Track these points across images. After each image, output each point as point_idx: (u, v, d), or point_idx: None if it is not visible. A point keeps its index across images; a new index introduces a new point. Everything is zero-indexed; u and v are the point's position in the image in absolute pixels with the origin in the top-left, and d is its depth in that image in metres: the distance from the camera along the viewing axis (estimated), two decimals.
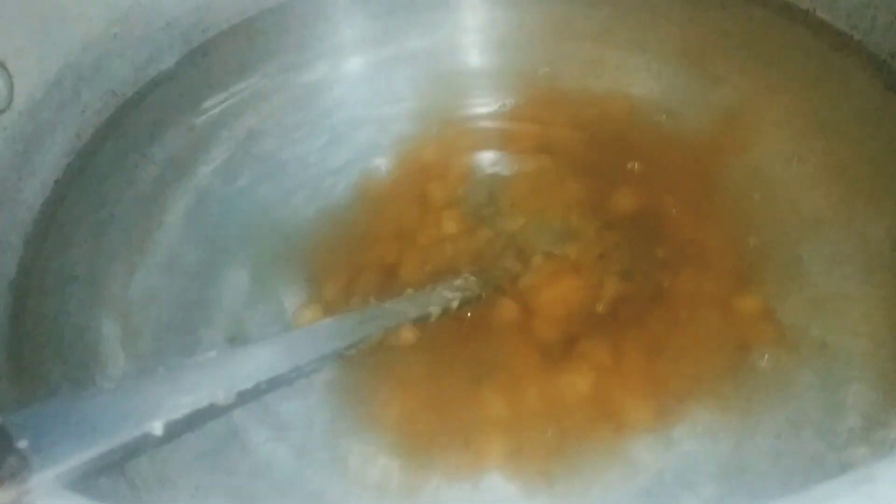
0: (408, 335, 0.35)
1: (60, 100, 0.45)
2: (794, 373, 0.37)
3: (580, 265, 0.42)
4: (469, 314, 0.38)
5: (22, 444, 0.21)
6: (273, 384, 0.28)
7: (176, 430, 0.24)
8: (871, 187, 0.42)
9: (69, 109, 0.45)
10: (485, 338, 0.39)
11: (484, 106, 0.48)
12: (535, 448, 0.37)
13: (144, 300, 0.41)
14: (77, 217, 0.44)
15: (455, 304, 0.37)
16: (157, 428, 0.24)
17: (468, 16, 0.52)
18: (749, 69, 0.48)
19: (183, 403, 0.25)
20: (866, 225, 0.41)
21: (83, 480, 0.22)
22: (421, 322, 0.36)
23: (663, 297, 0.41)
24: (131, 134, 0.48)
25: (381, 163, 0.47)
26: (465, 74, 0.50)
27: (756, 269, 0.41)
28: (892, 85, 0.44)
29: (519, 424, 0.37)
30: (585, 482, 0.35)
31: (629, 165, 0.45)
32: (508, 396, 0.38)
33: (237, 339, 0.35)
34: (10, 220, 0.42)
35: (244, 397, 0.27)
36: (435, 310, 0.36)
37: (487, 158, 0.47)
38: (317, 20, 0.52)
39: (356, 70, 0.50)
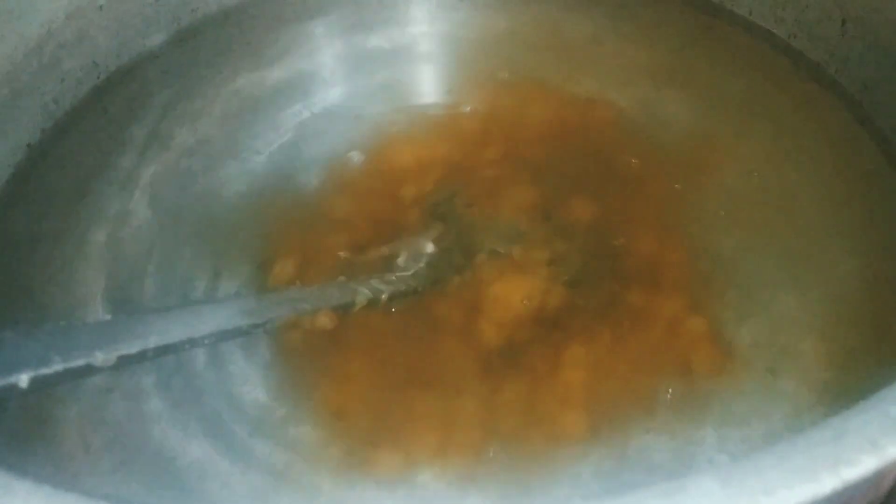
0: (324, 320, 0.35)
1: (39, 65, 0.46)
2: (735, 397, 0.36)
3: (526, 268, 0.41)
4: (399, 308, 0.38)
5: None
6: (160, 352, 0.28)
7: (45, 384, 0.25)
8: (835, 219, 0.42)
9: (48, 76, 0.47)
10: (415, 334, 0.39)
11: (456, 107, 0.49)
12: (463, 449, 0.37)
13: (100, 266, 0.42)
14: (47, 182, 0.46)
15: (384, 296, 0.37)
16: (22, 380, 0.24)
17: (453, 15, 0.52)
18: (728, 92, 0.47)
19: (54, 360, 0.25)
20: (827, 255, 0.41)
21: None
22: (343, 310, 0.36)
23: (610, 310, 0.40)
24: (111, 107, 0.49)
25: (351, 156, 0.47)
26: (442, 74, 0.51)
27: (709, 290, 0.40)
28: (862, 118, 0.44)
29: (448, 425, 0.37)
30: (511, 486, 0.35)
31: (594, 175, 0.45)
32: (438, 396, 0.38)
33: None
34: None
35: (126, 361, 0.27)
36: (360, 299, 0.36)
37: (453, 158, 0.47)
38: (306, 10, 0.53)
39: (334, 65, 0.51)
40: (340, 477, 0.34)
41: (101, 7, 0.48)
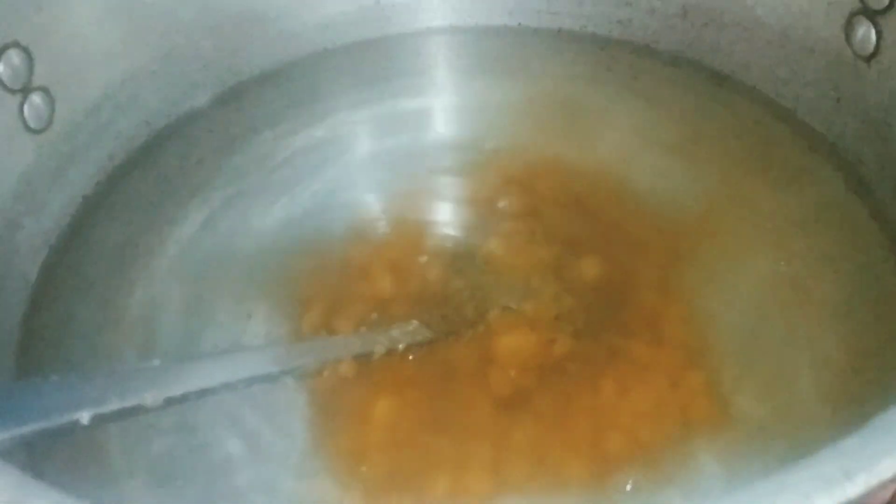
0: (346, 369, 0.39)
1: (97, 125, 0.51)
2: (732, 452, 0.39)
3: (535, 322, 0.45)
4: (415, 356, 0.42)
5: None
6: (201, 395, 0.33)
7: (103, 421, 0.29)
8: (830, 292, 0.45)
9: (104, 134, 0.52)
10: (430, 380, 0.43)
11: (476, 173, 0.53)
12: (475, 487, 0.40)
13: (148, 313, 0.47)
14: (99, 231, 0.51)
15: (401, 346, 0.41)
16: (84, 417, 0.29)
17: (473, 84, 0.57)
18: (732, 160, 0.51)
19: (112, 400, 0.30)
20: (822, 326, 0.43)
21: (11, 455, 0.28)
22: (363, 359, 0.40)
23: (612, 362, 0.44)
24: (160, 162, 0.54)
25: (375, 209, 0.51)
26: (462, 138, 0.55)
27: (710, 347, 0.43)
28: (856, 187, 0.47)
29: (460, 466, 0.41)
30: None
31: (602, 237, 0.49)
32: (451, 439, 0.42)
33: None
34: (37, 227, 0.48)
35: (172, 402, 0.32)
36: (379, 349, 0.41)
37: (471, 218, 0.51)
38: (340, 76, 0.58)
39: (364, 127, 0.56)
40: None
41: (153, 72, 0.53)
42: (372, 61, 0.59)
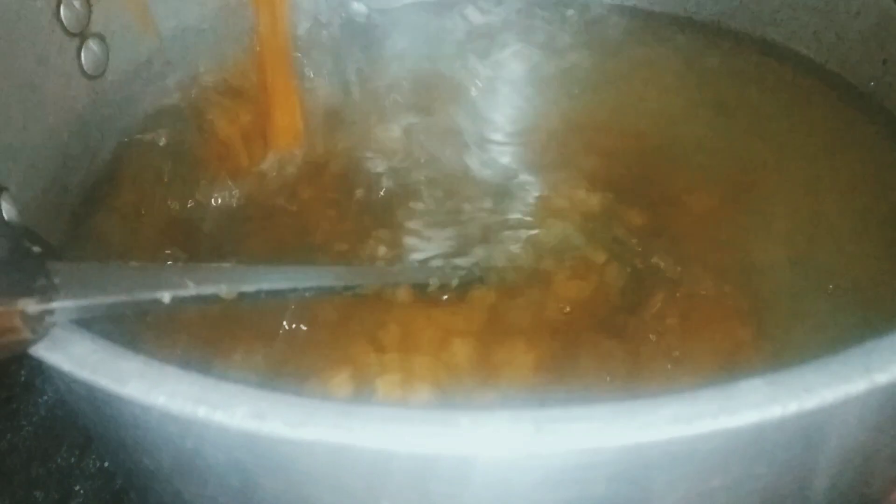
0: (404, 295, 0.41)
1: (147, 77, 0.53)
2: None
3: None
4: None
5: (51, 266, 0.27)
6: (271, 294, 0.34)
7: (181, 303, 0.30)
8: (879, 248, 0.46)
9: (153, 87, 0.53)
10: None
11: (520, 135, 0.54)
12: None
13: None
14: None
15: (455, 281, 0.43)
16: (165, 297, 0.30)
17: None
18: (776, 121, 0.53)
19: (190, 286, 0.31)
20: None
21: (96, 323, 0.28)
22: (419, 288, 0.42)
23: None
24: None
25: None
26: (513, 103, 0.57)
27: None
28: None
29: None
30: None
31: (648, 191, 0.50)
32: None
33: None
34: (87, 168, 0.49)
35: (244, 297, 0.33)
36: (434, 281, 0.42)
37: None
38: None
39: None
40: None
41: (204, 30, 0.55)
42: None
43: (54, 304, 0.27)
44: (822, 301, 0.44)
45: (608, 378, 0.41)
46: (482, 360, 0.41)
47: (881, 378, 0.25)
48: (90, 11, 0.49)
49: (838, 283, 0.44)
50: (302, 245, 0.46)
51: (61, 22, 0.47)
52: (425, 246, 0.46)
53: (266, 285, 0.34)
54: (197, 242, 0.46)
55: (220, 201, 0.49)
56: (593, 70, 0.57)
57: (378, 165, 0.51)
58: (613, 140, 0.53)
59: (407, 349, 0.40)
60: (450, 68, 0.58)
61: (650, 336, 0.43)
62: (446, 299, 0.42)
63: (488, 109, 0.56)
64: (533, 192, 0.50)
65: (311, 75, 0.55)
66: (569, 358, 0.42)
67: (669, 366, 0.42)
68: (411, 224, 0.47)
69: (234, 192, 0.50)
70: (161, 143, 0.51)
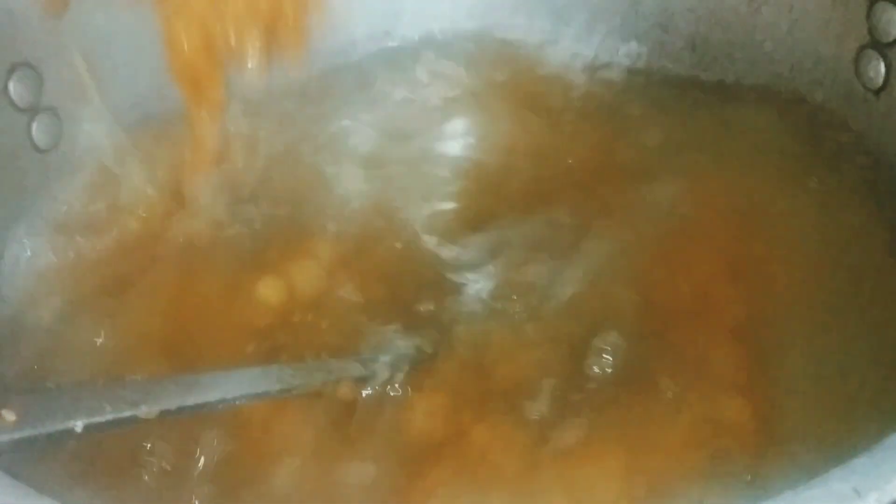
0: (345, 391, 0.40)
1: None
2: None
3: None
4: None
5: None
6: (197, 409, 0.33)
7: (96, 430, 0.30)
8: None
9: None
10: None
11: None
12: None
13: None
14: None
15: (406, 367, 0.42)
16: (78, 426, 0.29)
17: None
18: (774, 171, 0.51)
19: (106, 410, 0.30)
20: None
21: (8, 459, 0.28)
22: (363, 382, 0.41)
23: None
24: None
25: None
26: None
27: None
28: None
29: None
30: None
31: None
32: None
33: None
34: None
35: (167, 414, 0.32)
36: (382, 374, 0.41)
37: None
38: None
39: None
40: None
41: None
42: None
43: None
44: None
45: None
46: None
47: None
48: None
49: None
50: None
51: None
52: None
53: (191, 400, 0.33)
54: None
55: None
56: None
57: None
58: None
59: None
60: None
61: None
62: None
63: None
64: None
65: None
66: None
67: None
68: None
69: None
70: None
